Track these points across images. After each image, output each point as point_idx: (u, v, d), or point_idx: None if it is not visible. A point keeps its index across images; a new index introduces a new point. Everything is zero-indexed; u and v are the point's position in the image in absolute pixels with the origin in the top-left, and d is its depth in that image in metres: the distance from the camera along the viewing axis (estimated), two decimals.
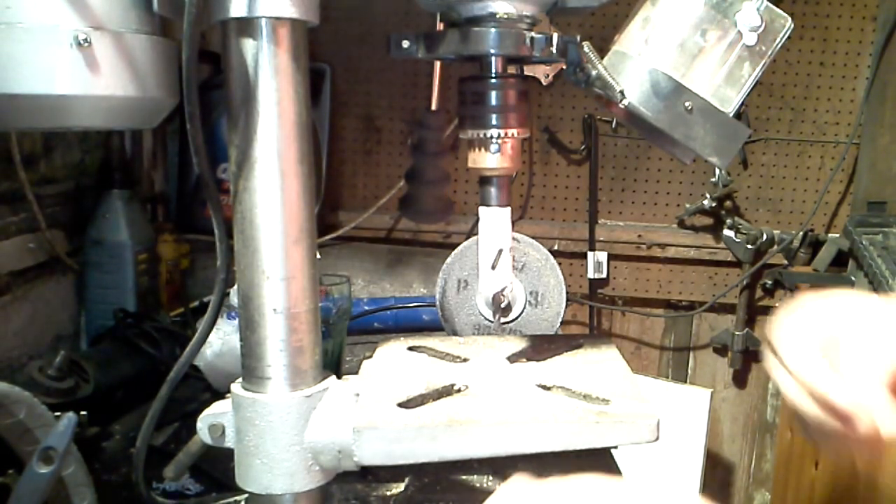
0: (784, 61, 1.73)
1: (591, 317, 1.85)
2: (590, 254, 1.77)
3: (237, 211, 0.54)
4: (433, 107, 0.82)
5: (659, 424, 0.53)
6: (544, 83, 1.75)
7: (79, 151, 1.26)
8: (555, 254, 0.99)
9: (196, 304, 1.31)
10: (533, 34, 0.58)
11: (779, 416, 1.90)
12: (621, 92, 0.58)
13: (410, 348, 0.70)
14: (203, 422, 0.57)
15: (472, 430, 0.53)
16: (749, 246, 1.72)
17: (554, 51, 0.58)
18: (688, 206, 1.75)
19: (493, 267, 0.61)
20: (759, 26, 0.60)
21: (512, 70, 0.62)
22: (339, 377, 0.59)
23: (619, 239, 1.79)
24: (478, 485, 0.74)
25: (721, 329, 1.85)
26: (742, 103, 0.62)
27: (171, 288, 1.37)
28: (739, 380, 1.90)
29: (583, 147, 1.77)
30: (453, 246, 1.06)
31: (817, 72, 1.74)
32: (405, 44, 0.59)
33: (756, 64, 0.61)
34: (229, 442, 0.56)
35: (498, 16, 0.57)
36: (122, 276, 1.21)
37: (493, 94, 0.60)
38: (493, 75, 0.60)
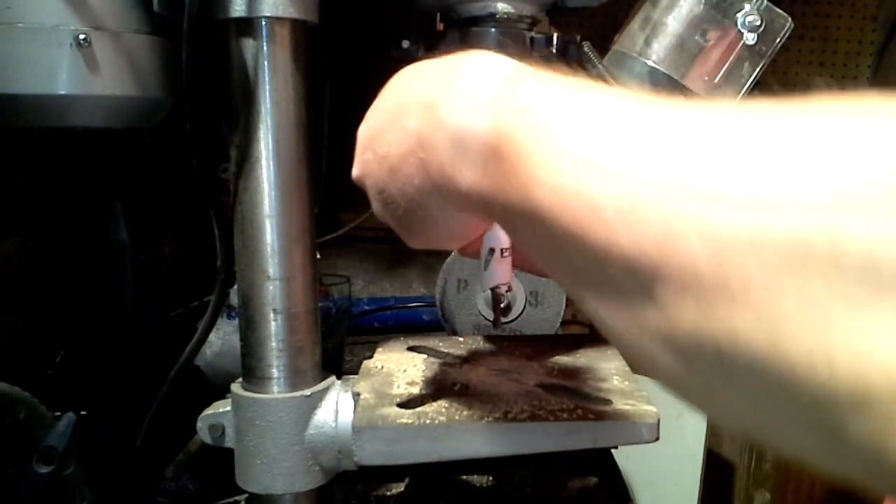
0: (784, 61, 1.73)
1: None
2: None
3: (237, 211, 0.54)
4: None
5: (659, 424, 0.53)
6: None
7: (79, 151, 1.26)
8: None
9: (196, 303, 1.31)
10: (533, 34, 0.58)
11: None
12: None
13: (410, 348, 0.70)
14: (203, 422, 0.56)
15: (472, 429, 0.53)
16: None
17: (554, 51, 0.58)
18: None
19: (485, 268, 0.61)
20: (759, 26, 0.60)
21: None
22: (339, 377, 0.59)
23: None
24: (478, 485, 0.74)
25: None
26: None
27: (171, 288, 1.37)
28: None
29: None
30: None
31: (817, 72, 1.74)
32: (405, 44, 0.59)
33: (756, 64, 0.61)
34: (229, 442, 0.56)
35: (498, 16, 0.57)
36: (122, 276, 1.21)
37: None
38: None
